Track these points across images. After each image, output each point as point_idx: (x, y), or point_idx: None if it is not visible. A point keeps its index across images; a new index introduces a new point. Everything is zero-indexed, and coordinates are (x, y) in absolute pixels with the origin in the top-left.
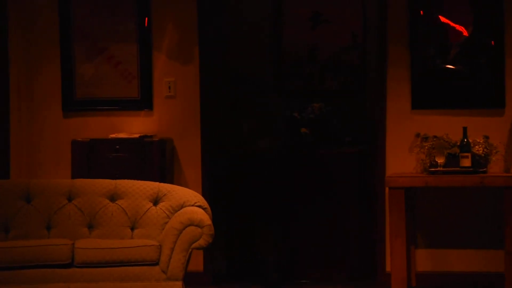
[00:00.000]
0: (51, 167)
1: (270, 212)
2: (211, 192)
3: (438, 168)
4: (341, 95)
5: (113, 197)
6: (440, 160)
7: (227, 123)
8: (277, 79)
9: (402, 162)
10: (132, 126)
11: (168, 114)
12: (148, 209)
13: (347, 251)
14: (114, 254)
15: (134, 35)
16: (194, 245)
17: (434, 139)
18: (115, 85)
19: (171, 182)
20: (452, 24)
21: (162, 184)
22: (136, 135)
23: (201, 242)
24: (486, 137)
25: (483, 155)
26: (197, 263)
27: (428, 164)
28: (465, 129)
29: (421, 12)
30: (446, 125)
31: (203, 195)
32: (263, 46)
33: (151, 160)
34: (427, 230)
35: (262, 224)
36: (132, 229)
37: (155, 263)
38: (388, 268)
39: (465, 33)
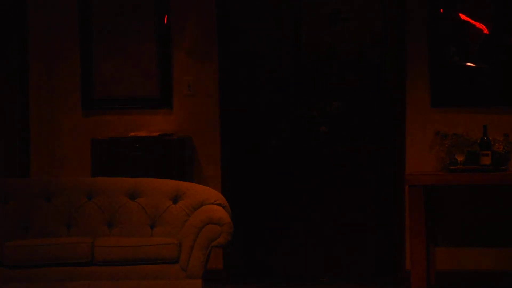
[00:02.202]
0: (71, 165)
1: (289, 210)
2: (231, 190)
3: (458, 166)
4: (360, 94)
5: (133, 195)
6: (460, 158)
7: (247, 121)
8: (297, 77)
9: (421, 160)
10: (152, 125)
11: (188, 112)
12: (168, 207)
13: (366, 248)
14: (133, 252)
15: (154, 33)
16: (213, 243)
17: (454, 137)
18: (135, 83)
19: (191, 180)
20: (472, 21)
21: (181, 182)
22: (156, 134)
23: (221, 240)
24: (506, 135)
25: (503, 153)
26: (217, 261)
27: (448, 162)
28: (485, 127)
29: (441, 10)
30: (466, 123)
31: (223, 193)
32: (283, 44)
33: (170, 158)
34: (446, 228)
35: (281, 222)
36: (152, 227)
37: (175, 261)
38: (407, 266)
39: (486, 31)
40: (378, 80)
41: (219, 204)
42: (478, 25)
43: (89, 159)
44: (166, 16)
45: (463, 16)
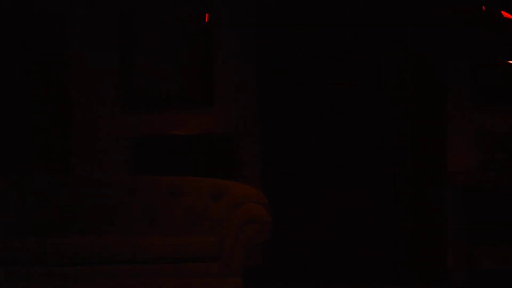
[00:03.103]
0: (111, 163)
1: (329, 209)
2: (271, 188)
3: (500, 165)
4: (400, 90)
5: (174, 194)
6: (502, 157)
7: (285, 121)
8: (332, 76)
9: (463, 158)
10: (193, 123)
11: (229, 111)
12: (209, 205)
13: (406, 248)
14: (175, 250)
15: (195, 32)
16: (253, 242)
17: (496, 135)
18: (175, 82)
19: (232, 178)
20: None
21: (222, 180)
22: (197, 132)
23: (261, 238)
24: None
25: None
26: (257, 260)
27: (489, 161)
28: None
29: (483, 7)
30: (509, 122)
31: (264, 191)
32: (321, 44)
33: (211, 156)
34: (487, 227)
35: (322, 221)
36: (193, 225)
37: (216, 259)
38: (449, 266)
39: None
40: (419, 77)
41: (259, 203)
42: None
43: (130, 157)
44: (207, 14)
45: (505, 14)
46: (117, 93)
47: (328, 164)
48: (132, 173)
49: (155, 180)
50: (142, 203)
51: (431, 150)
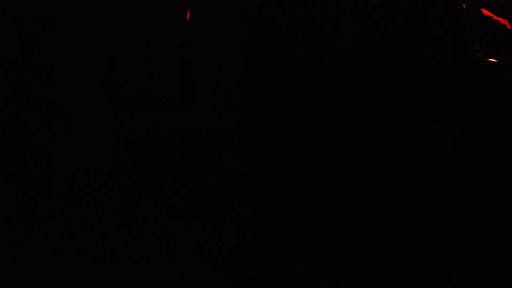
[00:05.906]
0: None
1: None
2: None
3: None
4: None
5: None
6: None
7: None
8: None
9: None
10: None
11: (211, 108)
12: None
13: None
14: None
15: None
16: None
17: None
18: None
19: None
20: (495, 17)
21: None
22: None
23: None
24: None
25: None
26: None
27: None
28: None
29: (464, 5)
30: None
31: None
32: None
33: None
34: None
35: (305, 222)
36: None
37: None
38: None
39: (509, 26)
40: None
41: None
42: (502, 20)
43: None
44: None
45: (485, 12)
46: None
47: (321, 164)
48: None
49: None
50: None
51: None
